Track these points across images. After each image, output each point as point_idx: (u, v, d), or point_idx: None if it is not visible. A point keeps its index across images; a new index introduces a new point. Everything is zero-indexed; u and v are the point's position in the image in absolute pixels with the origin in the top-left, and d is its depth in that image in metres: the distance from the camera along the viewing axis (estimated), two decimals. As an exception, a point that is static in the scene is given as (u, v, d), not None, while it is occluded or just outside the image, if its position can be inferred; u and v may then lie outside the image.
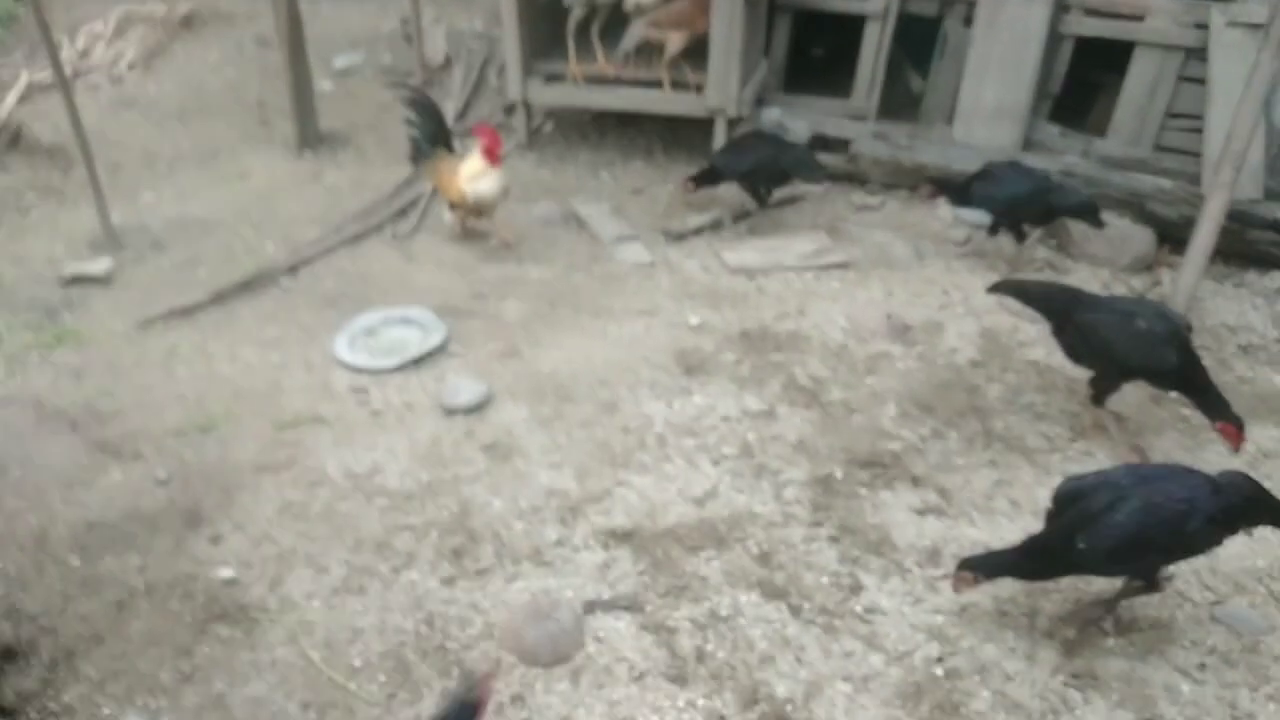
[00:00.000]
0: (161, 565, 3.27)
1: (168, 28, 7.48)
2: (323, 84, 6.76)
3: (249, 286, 4.74)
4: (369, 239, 5.24)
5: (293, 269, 4.90)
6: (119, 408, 3.97)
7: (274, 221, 5.34)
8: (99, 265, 4.82)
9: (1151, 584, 3.01)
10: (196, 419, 3.91)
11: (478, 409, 3.98)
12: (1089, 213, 4.92)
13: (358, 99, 6.83)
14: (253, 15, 7.80)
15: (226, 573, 3.24)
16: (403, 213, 5.49)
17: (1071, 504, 2.91)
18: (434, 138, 5.12)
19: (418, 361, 4.25)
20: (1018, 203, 4.92)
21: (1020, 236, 5.05)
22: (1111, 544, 2.79)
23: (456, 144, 5.26)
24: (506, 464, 3.73)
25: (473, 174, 4.91)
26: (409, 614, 3.10)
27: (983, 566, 2.96)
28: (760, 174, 5.27)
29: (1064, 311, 3.86)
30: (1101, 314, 3.76)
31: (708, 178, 5.35)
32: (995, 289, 4.12)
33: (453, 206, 5.09)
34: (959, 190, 5.11)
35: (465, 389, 4.01)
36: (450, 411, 3.96)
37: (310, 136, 6.12)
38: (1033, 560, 2.93)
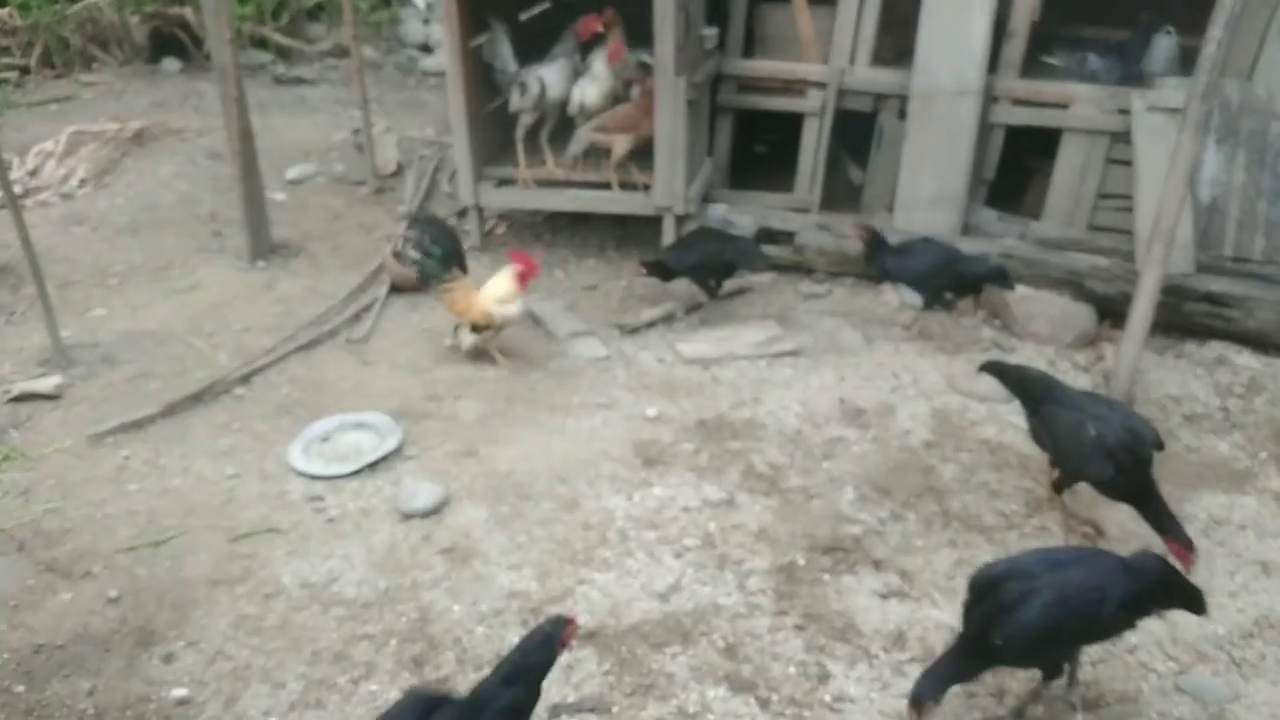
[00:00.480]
0: (112, 688, 3.17)
1: (119, 144, 7.54)
2: (275, 194, 6.83)
3: (201, 398, 4.70)
4: (323, 345, 5.24)
5: (246, 378, 4.88)
6: (68, 526, 3.88)
7: (227, 332, 5.33)
8: (48, 382, 4.76)
9: (1057, 673, 2.99)
10: (148, 534, 3.84)
11: (435, 512, 3.94)
12: (999, 277, 5.18)
13: (310, 208, 6.90)
14: (204, 130, 7.92)
15: (180, 693, 3.15)
16: (356, 318, 5.51)
17: (987, 593, 2.84)
18: (447, 260, 5.05)
19: (374, 466, 4.23)
20: (930, 273, 5.18)
21: (946, 306, 5.28)
22: (1028, 640, 2.74)
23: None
24: (466, 567, 3.69)
25: (502, 297, 4.92)
26: (369, 727, 3.03)
27: (931, 690, 2.82)
28: (707, 267, 5.38)
29: (1036, 400, 3.92)
30: (1062, 410, 3.78)
31: (658, 271, 5.46)
32: (983, 369, 4.18)
33: (474, 329, 5.00)
34: (878, 259, 5.33)
35: (422, 492, 3.98)
36: (407, 516, 3.93)
37: (263, 246, 6.15)
38: (965, 661, 2.86)
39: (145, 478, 4.18)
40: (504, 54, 5.89)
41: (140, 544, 3.79)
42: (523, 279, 4.95)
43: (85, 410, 4.62)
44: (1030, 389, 3.97)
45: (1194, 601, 2.97)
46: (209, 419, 4.59)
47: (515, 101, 5.91)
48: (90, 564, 3.68)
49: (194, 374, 4.90)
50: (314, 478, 4.17)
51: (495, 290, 4.95)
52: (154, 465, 4.26)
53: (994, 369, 4.14)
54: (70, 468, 4.23)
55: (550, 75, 5.83)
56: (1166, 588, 2.94)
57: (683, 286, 5.55)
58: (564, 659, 3.23)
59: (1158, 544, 3.60)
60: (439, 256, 5.01)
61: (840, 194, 6.73)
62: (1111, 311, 5.30)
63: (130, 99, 8.92)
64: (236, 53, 5.74)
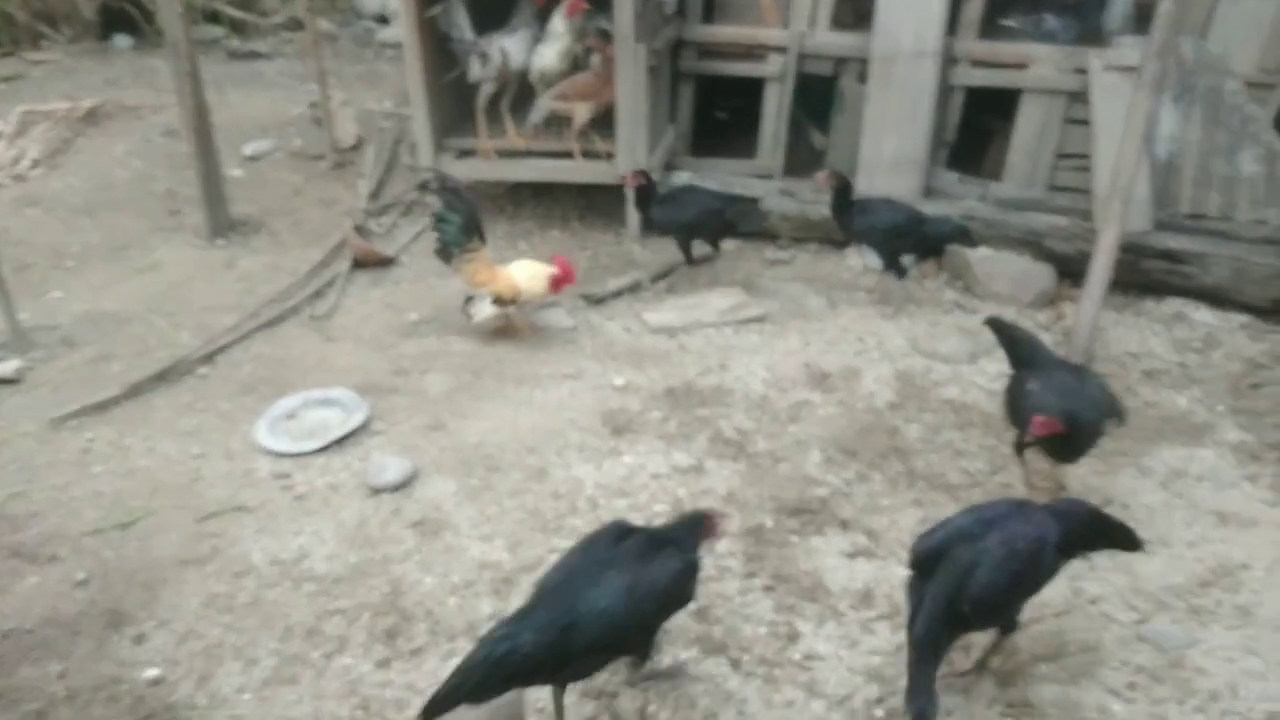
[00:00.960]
0: (83, 670, 3.16)
1: (71, 124, 7.40)
2: (233, 171, 6.74)
3: (164, 378, 4.65)
4: (286, 322, 5.20)
5: (209, 357, 4.83)
6: (33, 510, 3.85)
7: (188, 311, 5.27)
8: (7, 367, 4.69)
9: (1015, 626, 3.02)
10: (115, 516, 3.81)
11: (404, 486, 3.94)
12: (962, 236, 5.18)
13: (269, 184, 6.82)
14: (159, 107, 7.77)
15: (152, 672, 3.14)
16: (319, 294, 5.46)
17: (933, 566, 2.79)
18: (467, 229, 4.89)
19: (341, 442, 4.21)
20: (894, 232, 5.15)
21: (900, 271, 5.25)
22: (994, 599, 2.76)
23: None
24: (436, 539, 3.69)
25: (532, 276, 4.92)
26: (344, 700, 3.04)
27: (928, 700, 2.63)
28: (705, 227, 5.37)
29: (1018, 361, 3.95)
30: (1024, 372, 3.83)
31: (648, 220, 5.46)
32: (986, 323, 4.20)
33: (497, 300, 4.92)
34: (845, 213, 5.25)
35: (390, 467, 3.98)
36: (376, 490, 3.92)
37: (221, 224, 6.08)
38: (933, 645, 2.76)
39: (110, 459, 4.15)
40: (461, 23, 5.82)
41: (107, 526, 3.76)
42: (556, 284, 4.93)
43: (46, 393, 4.57)
44: (1017, 350, 3.99)
45: (1124, 538, 3.03)
46: (173, 399, 4.55)
47: (475, 71, 5.85)
48: (57, 547, 3.65)
49: (156, 354, 4.84)
50: (281, 455, 4.15)
51: (526, 269, 4.93)
52: (118, 447, 4.22)
53: (994, 324, 4.16)
54: (33, 451, 4.18)
55: (511, 44, 5.77)
56: (1094, 528, 2.99)
57: (646, 255, 5.55)
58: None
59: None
60: (459, 224, 4.87)
61: (803, 159, 6.74)
62: (1071, 270, 5.36)
63: (81, 77, 8.75)
64: (189, 27, 5.65)
